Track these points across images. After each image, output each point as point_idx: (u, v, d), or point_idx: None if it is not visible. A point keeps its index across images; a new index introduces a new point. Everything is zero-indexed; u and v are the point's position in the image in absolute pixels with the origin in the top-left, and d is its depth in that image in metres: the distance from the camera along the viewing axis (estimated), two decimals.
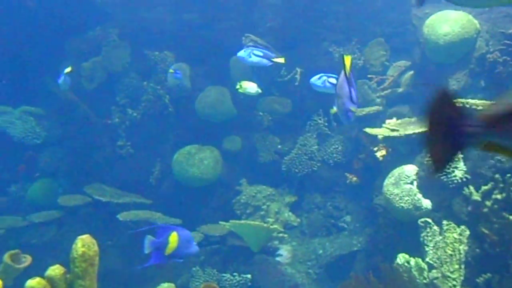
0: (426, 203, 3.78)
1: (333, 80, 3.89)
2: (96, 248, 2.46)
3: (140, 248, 4.87)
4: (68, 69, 4.76)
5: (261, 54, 4.20)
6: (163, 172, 5.32)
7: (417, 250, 3.74)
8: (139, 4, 5.41)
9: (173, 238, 2.90)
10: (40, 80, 5.69)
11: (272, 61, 4.23)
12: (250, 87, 3.85)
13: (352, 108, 2.70)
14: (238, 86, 3.91)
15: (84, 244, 2.39)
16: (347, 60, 2.57)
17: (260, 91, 4.24)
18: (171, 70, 4.96)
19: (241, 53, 4.21)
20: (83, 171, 5.52)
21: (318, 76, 3.97)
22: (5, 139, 5.48)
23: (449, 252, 3.48)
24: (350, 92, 2.63)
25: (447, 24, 3.95)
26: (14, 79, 5.58)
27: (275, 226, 4.67)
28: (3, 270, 3.31)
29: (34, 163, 5.67)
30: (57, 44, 5.65)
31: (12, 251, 3.33)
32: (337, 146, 5.17)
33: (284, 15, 5.24)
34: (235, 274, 4.48)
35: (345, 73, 2.60)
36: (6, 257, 3.27)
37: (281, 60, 4.26)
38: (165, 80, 5.34)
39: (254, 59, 4.20)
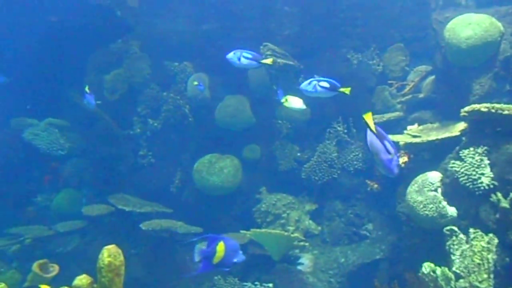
0: (452, 211, 3.69)
1: (324, 84, 3.81)
2: (122, 258, 2.48)
3: (163, 257, 4.95)
4: (86, 89, 4.83)
5: (250, 56, 4.17)
6: (184, 181, 5.35)
7: (443, 259, 3.65)
8: (159, 16, 5.50)
9: (220, 248, 2.98)
10: (64, 93, 5.82)
11: (260, 63, 4.20)
12: (295, 102, 3.81)
13: (391, 156, 2.53)
14: (284, 100, 3.88)
15: (110, 254, 2.41)
16: (368, 117, 2.50)
17: (305, 106, 4.17)
18: (195, 83, 5.00)
19: (230, 55, 4.17)
20: (106, 181, 5.60)
21: (308, 81, 3.86)
22: (31, 151, 5.61)
23: (477, 261, 3.38)
24: (383, 144, 2.52)
25: (469, 27, 3.87)
26: (39, 93, 5.71)
27: (296, 234, 4.64)
28: (31, 279, 3.38)
29: (59, 173, 5.78)
30: (80, 57, 5.77)
31: (41, 261, 3.39)
32: (357, 153, 5.12)
33: (301, 23, 5.24)
34: (256, 283, 4.46)
35: (371, 130, 2.50)
36: (35, 267, 3.33)
37: (268, 61, 4.24)
38: (185, 90, 5.39)
39: (244, 61, 4.16)
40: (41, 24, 5.73)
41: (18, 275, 4.48)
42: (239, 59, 4.15)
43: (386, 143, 2.52)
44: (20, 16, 5.68)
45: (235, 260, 3.02)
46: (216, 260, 2.96)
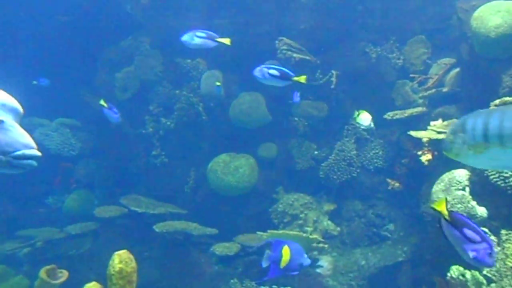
0: (481, 211, 3.48)
1: (273, 72, 3.75)
2: (134, 264, 2.34)
3: (177, 260, 4.82)
4: (102, 102, 4.68)
5: (204, 35, 4.02)
6: (198, 181, 5.22)
7: None
8: (169, 12, 5.36)
9: (286, 252, 3.01)
10: (76, 92, 5.73)
11: (216, 41, 4.02)
12: (364, 119, 3.65)
13: (479, 246, 2.14)
14: (355, 115, 3.72)
15: (121, 260, 2.29)
16: (441, 205, 2.12)
17: (372, 125, 4.00)
18: (218, 83, 4.83)
19: (184, 38, 4.01)
20: (118, 182, 5.50)
21: (259, 67, 3.80)
22: (42, 151, 5.52)
23: (510, 264, 3.18)
24: (463, 233, 2.12)
25: (498, 15, 3.66)
26: (50, 92, 5.63)
27: (314, 236, 4.47)
28: (39, 285, 3.26)
29: (70, 174, 5.69)
30: (91, 55, 5.68)
31: (48, 266, 3.27)
32: (377, 151, 4.93)
33: (316, 17, 5.06)
34: (274, 286, 4.31)
35: (444, 219, 2.13)
36: (42, 273, 3.21)
37: (226, 41, 4.04)
38: (198, 88, 5.25)
39: (197, 41, 4.00)
40: (51, 23, 5.65)
41: (26, 281, 4.38)
42: (192, 39, 4.01)
43: (467, 231, 2.14)
44: (30, 16, 5.61)
45: (301, 263, 3.05)
46: (283, 264, 3.00)
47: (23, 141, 1.71)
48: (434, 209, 2.17)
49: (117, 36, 5.66)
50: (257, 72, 3.78)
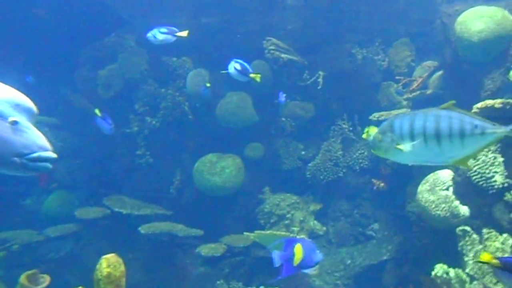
0: (464, 210, 3.57)
1: (237, 66, 4.08)
2: (122, 268, 2.31)
3: (162, 261, 4.77)
4: (96, 111, 4.59)
5: (166, 30, 4.14)
6: (184, 182, 5.18)
7: (455, 260, 3.54)
8: (155, 9, 5.29)
9: (298, 249, 3.00)
10: (55, 89, 5.59)
11: (176, 36, 4.14)
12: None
13: None
14: (365, 131, 3.72)
15: (109, 264, 2.25)
16: (487, 257, 2.11)
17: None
18: (208, 84, 4.82)
19: (149, 34, 4.16)
20: (101, 182, 5.39)
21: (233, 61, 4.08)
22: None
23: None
24: None
25: (481, 20, 3.75)
26: (28, 89, 5.47)
27: (302, 236, 4.50)
28: None
29: (50, 174, 5.55)
30: (72, 52, 5.54)
31: (29, 272, 3.16)
32: (363, 151, 4.99)
33: (304, 17, 5.08)
34: (261, 287, 4.31)
35: (497, 267, 2.10)
36: (22, 279, 3.10)
37: (184, 33, 4.16)
38: (184, 87, 5.21)
39: (160, 37, 4.12)
40: (27, 17, 5.48)
41: (3, 286, 4.23)
42: (155, 36, 4.12)
43: None
44: (5, 10, 5.43)
45: (314, 259, 3.04)
46: (296, 261, 2.99)
47: (39, 142, 1.67)
48: (484, 263, 2.16)
49: (100, 33, 5.55)
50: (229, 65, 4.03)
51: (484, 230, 3.43)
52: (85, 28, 5.45)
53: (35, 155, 1.65)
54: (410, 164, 3.15)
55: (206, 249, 4.55)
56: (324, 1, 4.95)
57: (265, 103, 5.09)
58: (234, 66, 4.09)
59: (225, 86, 5.16)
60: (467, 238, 3.50)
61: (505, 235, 3.33)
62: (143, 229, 4.56)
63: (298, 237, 4.39)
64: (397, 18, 5.06)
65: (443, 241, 3.78)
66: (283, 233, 4.42)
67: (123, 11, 5.45)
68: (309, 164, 5.00)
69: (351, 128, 4.99)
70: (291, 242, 3.04)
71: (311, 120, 5.09)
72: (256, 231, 4.39)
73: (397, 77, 4.86)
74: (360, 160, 4.94)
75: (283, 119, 5.07)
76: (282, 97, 4.74)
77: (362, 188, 4.95)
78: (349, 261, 4.64)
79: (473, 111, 3.57)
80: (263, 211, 4.89)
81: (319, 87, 4.90)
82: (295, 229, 4.75)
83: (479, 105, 3.51)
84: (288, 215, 4.82)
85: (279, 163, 5.10)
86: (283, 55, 4.70)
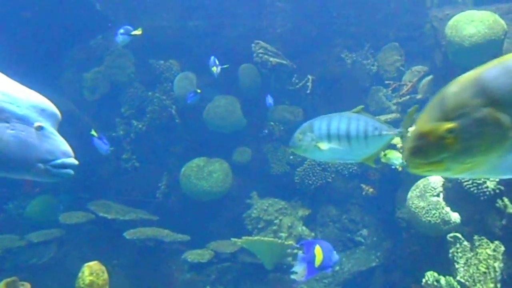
0: (455, 217, 3.53)
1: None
2: (105, 276, 2.23)
3: (148, 267, 4.67)
4: (93, 132, 4.49)
5: (122, 31, 4.19)
6: (170, 186, 5.09)
7: (446, 267, 3.49)
8: (142, 12, 5.21)
9: (318, 251, 3.08)
10: (41, 92, 5.46)
11: (131, 35, 4.18)
12: (395, 157, 3.60)
13: None
14: (382, 155, 3.67)
15: (92, 272, 2.18)
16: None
17: (404, 162, 3.91)
18: (198, 90, 4.77)
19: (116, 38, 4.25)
20: (85, 186, 5.27)
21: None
22: None
23: (483, 269, 3.23)
24: None
25: (472, 24, 3.73)
26: None
27: (290, 241, 4.42)
28: None
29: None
30: (57, 54, 5.44)
31: (9, 279, 3.05)
32: None
33: (293, 21, 5.04)
34: None
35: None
36: (2, 286, 3.00)
37: (137, 32, 4.19)
38: (171, 90, 5.13)
39: (119, 37, 4.20)
40: (14, 19, 5.38)
41: None
42: (117, 36, 4.21)
43: None
44: None
45: (332, 260, 3.12)
46: (317, 263, 3.07)
47: (63, 148, 1.65)
48: None
49: (86, 35, 5.46)
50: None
51: (475, 237, 3.39)
52: (71, 31, 5.37)
53: (59, 161, 1.63)
54: (323, 161, 3.53)
55: (193, 255, 4.47)
56: (313, 5, 4.92)
57: (253, 107, 5.03)
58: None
59: (212, 90, 5.09)
60: (458, 245, 3.45)
61: (496, 242, 3.29)
62: (128, 234, 4.47)
63: (286, 243, 4.31)
64: (386, 22, 5.04)
65: (433, 248, 3.73)
66: (271, 238, 4.35)
67: (109, 13, 5.36)
68: (298, 169, 4.94)
69: None
70: (310, 245, 3.11)
71: (300, 124, 5.02)
72: (243, 237, 4.31)
73: (386, 82, 4.83)
74: (349, 165, 4.90)
75: (272, 123, 5.01)
76: (270, 100, 4.68)
77: (351, 193, 4.91)
78: (337, 268, 4.58)
79: None
80: (251, 216, 4.82)
81: (308, 91, 4.86)
82: (283, 234, 4.68)
83: None
84: (276, 221, 4.75)
85: (267, 168, 5.04)
86: (271, 59, 4.65)
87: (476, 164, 1.21)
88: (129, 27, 4.16)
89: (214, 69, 4.29)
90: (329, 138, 2.38)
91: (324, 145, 2.39)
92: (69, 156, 1.66)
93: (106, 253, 4.75)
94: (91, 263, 2.23)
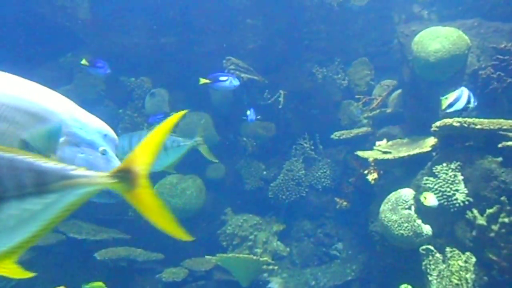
0: (427, 229, 3.57)
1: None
2: None
3: None
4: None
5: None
6: None
7: (419, 279, 3.52)
8: (112, 29, 5.15)
9: None
10: None
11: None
12: (432, 200, 3.58)
13: None
14: (422, 198, 3.62)
15: None
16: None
17: (437, 203, 3.84)
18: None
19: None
20: None
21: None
22: None
23: (455, 281, 3.27)
24: None
25: (437, 40, 3.83)
26: None
27: (265, 258, 4.39)
28: None
29: None
30: (26, 72, 5.31)
31: None
32: (325, 170, 4.97)
33: (264, 37, 5.07)
34: None
35: None
36: None
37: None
38: (143, 107, 5.07)
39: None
40: None
41: None
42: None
43: None
44: None
45: None
46: None
47: None
48: None
49: (56, 52, 5.36)
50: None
51: (447, 249, 3.43)
52: (41, 48, 5.26)
53: None
54: None
55: (167, 274, 4.41)
56: (283, 22, 4.96)
57: (226, 123, 5.02)
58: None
59: (184, 106, 5.06)
60: (430, 257, 3.49)
61: (467, 253, 3.33)
62: (99, 255, 4.37)
63: (261, 259, 4.27)
64: (355, 38, 5.13)
65: (407, 260, 3.76)
66: (246, 255, 4.31)
67: (79, 30, 5.29)
68: (271, 184, 4.94)
69: (312, 147, 4.97)
70: None
71: (272, 139, 5.05)
72: (218, 254, 4.26)
73: (357, 96, 4.90)
74: (323, 179, 4.92)
75: (244, 138, 5.01)
76: (252, 114, 4.64)
77: (325, 207, 4.92)
78: (313, 282, 4.57)
79: (432, 129, 3.62)
80: (226, 232, 4.78)
81: (280, 106, 4.88)
82: (258, 250, 4.65)
83: (438, 123, 3.55)
84: (251, 236, 4.72)
85: (241, 184, 5.02)
86: (243, 75, 4.66)
87: None
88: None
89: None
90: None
91: None
92: None
93: (77, 274, 4.61)
94: None
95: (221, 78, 4.29)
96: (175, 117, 1.33)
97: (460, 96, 3.49)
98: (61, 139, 1.64)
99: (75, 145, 1.67)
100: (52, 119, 1.62)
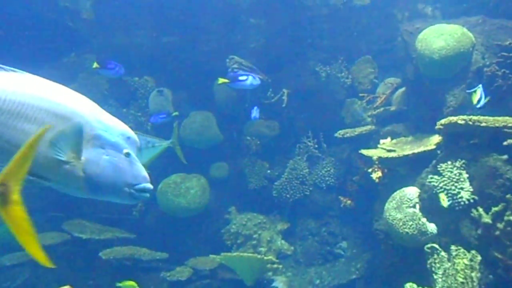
0: (432, 228, 3.56)
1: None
2: None
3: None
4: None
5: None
6: (147, 204, 5.00)
7: (424, 278, 3.51)
8: (115, 28, 5.16)
9: None
10: None
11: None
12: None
13: None
14: (441, 200, 3.58)
15: None
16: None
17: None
18: (176, 113, 4.76)
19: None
20: (60, 205, 5.14)
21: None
22: None
23: (461, 279, 3.25)
24: None
25: (441, 38, 3.81)
26: None
27: (269, 256, 4.39)
28: None
29: None
30: (29, 72, 5.33)
31: None
32: (329, 169, 4.96)
33: (267, 35, 5.07)
34: None
35: None
36: None
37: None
38: (146, 107, 5.08)
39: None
40: None
41: None
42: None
43: None
44: None
45: None
46: None
47: (143, 174, 1.78)
48: None
49: (59, 52, 5.38)
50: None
51: (452, 247, 3.41)
52: (44, 48, 5.28)
53: (141, 186, 1.75)
54: None
55: (171, 273, 4.43)
56: (286, 20, 4.95)
57: (229, 122, 5.02)
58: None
59: (187, 105, 5.07)
60: (435, 256, 3.47)
61: (473, 251, 3.32)
62: (104, 254, 4.39)
63: (266, 258, 4.27)
64: (359, 36, 5.11)
65: (411, 259, 3.74)
66: (250, 254, 4.31)
67: (82, 30, 5.30)
68: (275, 183, 4.93)
69: (316, 146, 4.96)
70: None
71: (276, 138, 5.04)
72: (222, 253, 4.27)
73: (360, 94, 4.88)
74: (327, 178, 4.91)
75: (248, 137, 5.00)
76: (256, 112, 4.64)
77: (329, 206, 4.92)
78: (318, 281, 4.57)
79: (437, 127, 3.60)
80: (230, 231, 4.77)
81: (283, 105, 4.88)
82: (263, 249, 4.65)
83: (443, 121, 3.54)
84: (255, 235, 4.71)
85: (245, 183, 5.02)
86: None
87: None
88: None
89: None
90: None
91: None
92: (148, 181, 1.78)
93: (82, 274, 4.63)
94: None
95: (241, 78, 4.26)
96: (42, 131, 1.42)
97: (482, 91, 3.48)
98: (86, 141, 1.68)
99: (100, 147, 1.71)
100: (77, 121, 1.66)
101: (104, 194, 1.76)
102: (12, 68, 1.70)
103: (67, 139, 1.63)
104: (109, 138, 1.72)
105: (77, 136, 1.66)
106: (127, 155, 1.75)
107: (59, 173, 1.66)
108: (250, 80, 4.27)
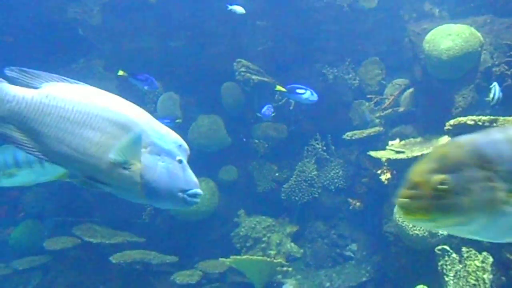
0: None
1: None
2: None
3: None
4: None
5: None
6: (157, 208, 5.02)
7: (435, 280, 3.49)
8: (123, 34, 5.20)
9: None
10: None
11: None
12: None
13: None
14: None
15: None
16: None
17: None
18: (178, 120, 4.80)
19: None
20: (70, 210, 5.18)
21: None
22: None
23: (472, 281, 3.23)
24: None
25: (449, 38, 3.79)
26: None
27: (279, 259, 4.39)
28: None
29: (18, 203, 5.32)
30: None
31: None
32: (337, 171, 4.95)
33: (274, 39, 5.07)
34: None
35: None
36: None
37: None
38: (155, 111, 5.10)
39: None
40: None
41: None
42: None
43: None
44: None
45: None
46: None
47: (195, 180, 1.87)
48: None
49: (68, 58, 5.42)
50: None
51: (464, 249, 3.39)
52: (53, 54, 5.33)
53: (193, 191, 1.84)
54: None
55: (181, 277, 4.42)
56: (293, 22, 4.96)
57: (237, 125, 5.02)
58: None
59: (196, 109, 5.09)
60: (446, 258, 3.45)
61: (484, 253, 3.29)
62: (114, 258, 4.41)
63: (275, 260, 4.27)
64: (366, 37, 5.09)
65: (422, 261, 3.73)
66: (260, 257, 4.31)
67: (91, 36, 5.34)
68: (284, 186, 4.93)
69: (324, 148, 4.95)
70: None
71: (284, 141, 5.04)
72: (232, 256, 4.27)
73: (368, 96, 4.87)
74: (335, 180, 4.90)
75: (256, 141, 5.00)
76: (269, 110, 4.61)
77: (338, 208, 4.90)
78: (327, 284, 4.55)
79: (446, 128, 3.58)
80: (239, 234, 4.78)
81: (291, 108, 4.87)
82: (272, 252, 4.64)
83: (452, 122, 3.52)
84: (264, 238, 4.71)
85: (253, 186, 5.02)
86: (254, 77, 4.66)
87: (460, 221, 1.24)
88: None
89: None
90: (19, 165, 2.81)
91: (15, 172, 2.82)
92: (198, 187, 1.88)
93: (92, 278, 4.66)
94: None
95: (298, 91, 4.26)
96: None
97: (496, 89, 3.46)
98: (143, 148, 1.77)
99: (156, 154, 1.80)
100: (135, 130, 1.77)
101: (160, 198, 1.83)
102: (75, 81, 1.81)
103: (128, 147, 1.74)
104: (164, 146, 1.81)
105: (137, 144, 1.76)
106: (180, 161, 1.83)
107: (119, 178, 1.75)
108: (307, 94, 4.25)
